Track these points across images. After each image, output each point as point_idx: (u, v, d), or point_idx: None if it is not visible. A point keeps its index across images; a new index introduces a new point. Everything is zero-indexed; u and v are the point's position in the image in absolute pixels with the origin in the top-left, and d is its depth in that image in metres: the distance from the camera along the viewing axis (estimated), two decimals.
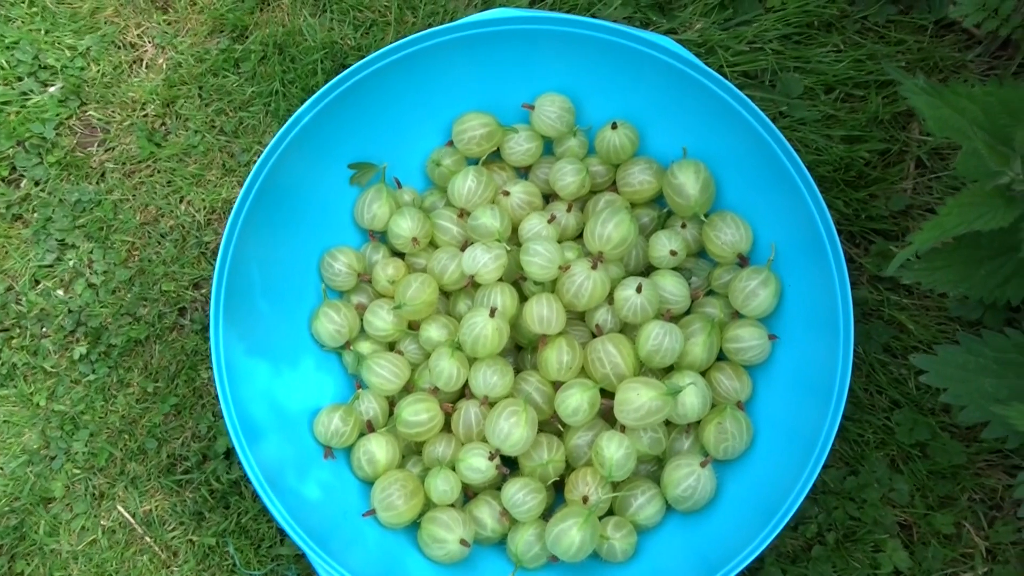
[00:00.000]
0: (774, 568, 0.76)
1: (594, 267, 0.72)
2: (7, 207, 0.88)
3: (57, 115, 0.90)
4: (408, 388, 0.77)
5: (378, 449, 0.73)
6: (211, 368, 0.71)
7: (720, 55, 0.86)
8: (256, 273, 0.74)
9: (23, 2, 0.92)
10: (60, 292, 0.87)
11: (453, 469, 0.73)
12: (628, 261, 0.77)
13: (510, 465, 0.74)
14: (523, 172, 0.83)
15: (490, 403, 0.73)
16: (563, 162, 0.78)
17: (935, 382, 0.69)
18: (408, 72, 0.76)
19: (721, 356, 0.75)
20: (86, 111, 0.90)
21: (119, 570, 0.80)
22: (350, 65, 0.74)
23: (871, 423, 0.79)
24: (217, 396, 0.70)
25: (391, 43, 0.74)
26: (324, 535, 0.68)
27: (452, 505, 0.72)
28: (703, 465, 0.70)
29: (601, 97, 0.79)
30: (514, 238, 0.78)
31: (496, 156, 0.81)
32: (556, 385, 0.73)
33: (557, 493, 0.75)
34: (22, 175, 0.89)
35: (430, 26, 0.75)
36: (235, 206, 0.71)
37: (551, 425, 0.74)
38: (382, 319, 0.76)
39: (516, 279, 0.77)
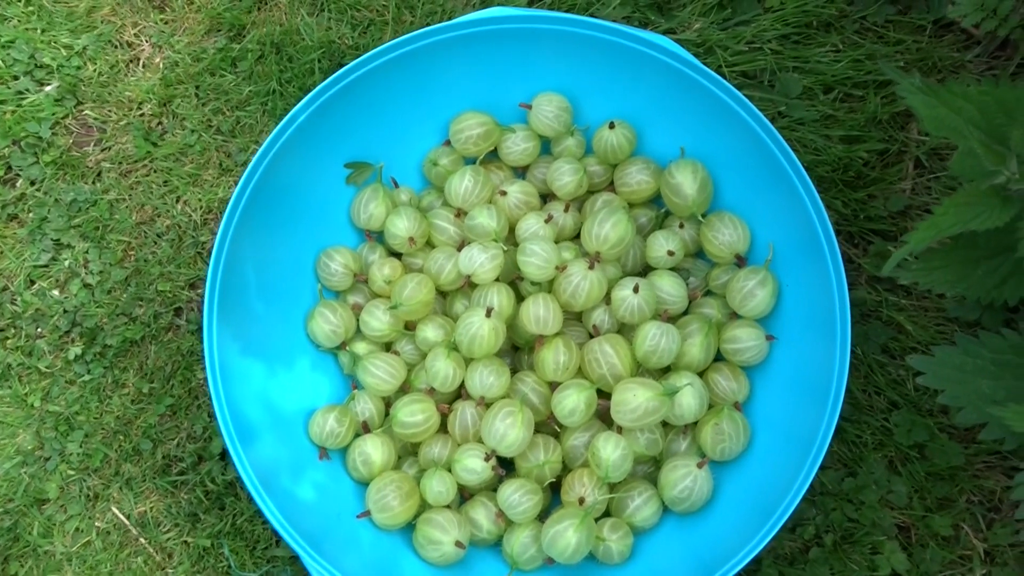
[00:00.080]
0: (771, 570, 0.75)
1: (591, 267, 0.71)
2: (2, 207, 0.88)
3: (53, 114, 0.89)
4: (404, 389, 0.76)
5: (373, 450, 0.73)
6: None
7: (719, 55, 0.86)
8: (251, 273, 0.74)
9: (19, 1, 0.92)
10: (55, 292, 0.86)
11: (449, 470, 0.72)
12: (625, 261, 0.77)
13: (506, 466, 0.74)
14: (520, 172, 0.83)
15: (486, 404, 0.73)
16: (561, 162, 0.78)
17: (932, 383, 0.69)
18: (405, 71, 0.76)
19: (718, 357, 0.75)
20: (82, 110, 0.90)
21: (113, 572, 0.80)
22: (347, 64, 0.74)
23: (869, 424, 0.78)
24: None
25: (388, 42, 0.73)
26: (318, 537, 0.68)
27: (448, 506, 0.72)
28: (700, 466, 0.70)
29: (599, 97, 0.79)
30: (511, 238, 0.78)
31: (493, 156, 0.81)
32: (553, 386, 0.72)
33: (554, 494, 0.75)
34: (18, 174, 0.89)
35: (428, 25, 0.75)
36: (229, 205, 0.71)
37: (548, 426, 0.74)
38: (378, 319, 0.76)
39: (513, 279, 0.77)
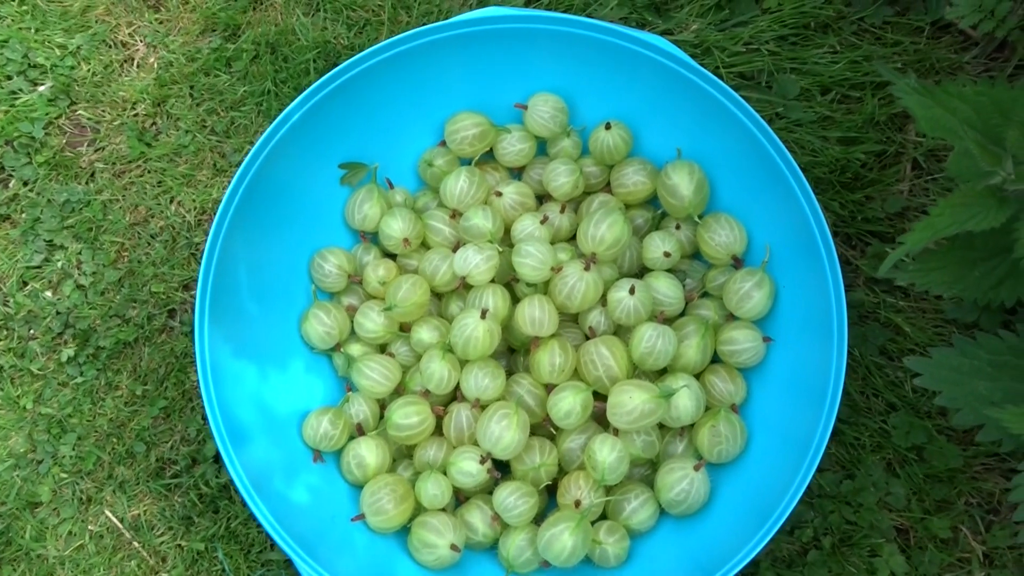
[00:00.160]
0: (769, 573, 0.75)
1: (587, 268, 0.71)
2: None
3: (46, 114, 0.89)
4: (399, 391, 0.76)
5: (368, 452, 0.72)
6: None
7: (716, 56, 0.85)
8: (244, 274, 0.73)
9: (13, 0, 0.92)
10: (48, 294, 0.86)
11: (444, 473, 0.72)
12: (622, 263, 0.77)
13: (502, 469, 0.74)
14: (516, 173, 0.82)
15: (482, 406, 0.72)
16: (557, 163, 0.77)
17: (929, 385, 0.69)
18: (400, 71, 0.75)
19: (715, 358, 0.74)
20: (76, 110, 0.90)
21: None
22: None
23: (867, 426, 0.78)
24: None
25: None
26: (312, 540, 0.67)
27: (443, 509, 0.72)
28: (697, 468, 0.69)
29: (595, 97, 0.78)
30: (506, 239, 0.77)
31: (489, 156, 0.80)
32: (548, 388, 0.72)
33: (549, 497, 0.74)
34: (10, 175, 0.88)
35: (424, 25, 0.74)
36: (221, 205, 0.70)
37: (543, 428, 0.73)
38: (373, 321, 0.76)
39: (508, 280, 0.76)
